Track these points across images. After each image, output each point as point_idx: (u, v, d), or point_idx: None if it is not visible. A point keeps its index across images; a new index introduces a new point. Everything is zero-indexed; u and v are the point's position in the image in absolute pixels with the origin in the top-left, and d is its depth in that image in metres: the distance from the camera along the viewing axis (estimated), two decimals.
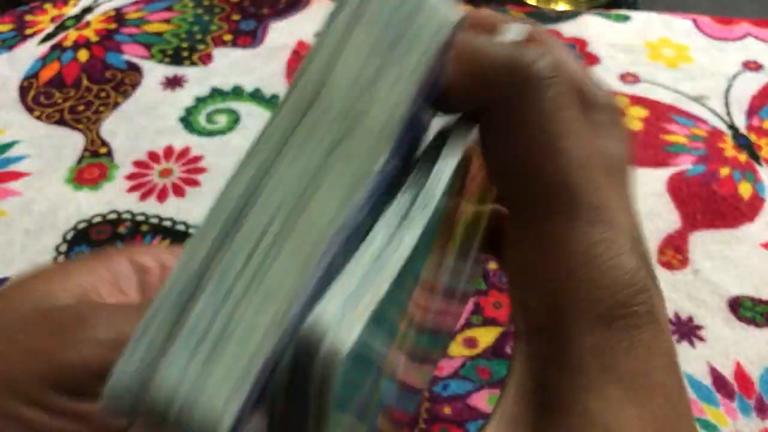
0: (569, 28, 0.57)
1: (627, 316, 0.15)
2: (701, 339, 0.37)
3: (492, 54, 0.16)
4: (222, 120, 0.50)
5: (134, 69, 0.55)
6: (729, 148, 0.47)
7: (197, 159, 0.47)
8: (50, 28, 0.59)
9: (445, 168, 0.15)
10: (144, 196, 0.45)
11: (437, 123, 0.17)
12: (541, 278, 0.16)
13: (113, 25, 0.59)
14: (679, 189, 0.44)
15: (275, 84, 0.53)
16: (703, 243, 0.42)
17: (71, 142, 0.49)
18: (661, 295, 0.17)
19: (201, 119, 0.50)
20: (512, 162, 0.16)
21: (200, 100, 0.52)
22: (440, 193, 0.15)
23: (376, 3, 0.14)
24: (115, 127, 0.50)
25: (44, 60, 0.56)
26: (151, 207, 0.44)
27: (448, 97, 0.16)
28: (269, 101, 0.52)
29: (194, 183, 0.46)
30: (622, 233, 0.16)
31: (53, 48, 0.57)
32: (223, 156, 0.48)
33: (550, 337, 0.16)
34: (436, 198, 0.15)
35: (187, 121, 0.50)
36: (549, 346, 0.16)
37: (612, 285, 0.15)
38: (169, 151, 0.48)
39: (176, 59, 0.56)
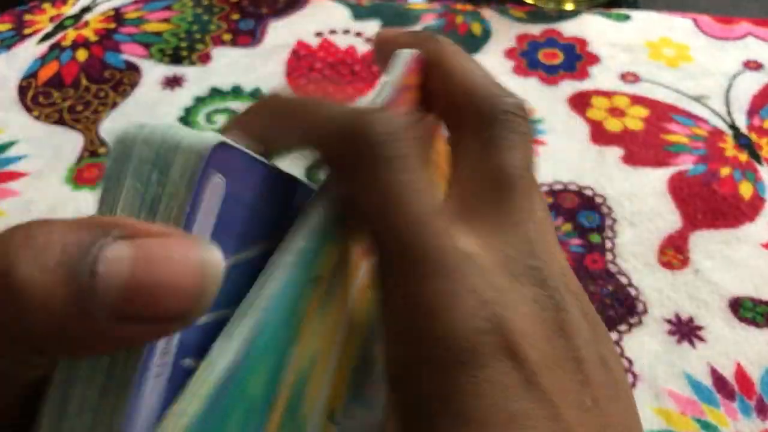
0: (569, 28, 0.57)
1: (469, 359, 0.15)
2: (702, 339, 0.37)
3: (327, 123, 0.16)
4: (221, 120, 0.50)
5: (133, 69, 0.55)
6: (730, 147, 0.47)
7: None
8: (49, 28, 0.59)
9: (290, 245, 0.16)
10: None
11: None
12: (392, 334, 0.16)
13: (112, 25, 0.59)
14: (679, 189, 0.44)
15: (275, 83, 0.53)
16: (703, 243, 0.41)
17: (70, 142, 0.49)
18: (529, 311, 0.17)
19: (200, 119, 0.50)
20: (360, 223, 0.17)
21: (199, 100, 0.52)
22: (283, 276, 0.15)
23: (131, 170, 0.14)
24: (114, 127, 0.50)
25: (43, 59, 0.56)
26: None
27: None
28: None
29: None
30: (471, 274, 0.16)
31: (52, 48, 0.57)
32: None
33: (405, 388, 0.16)
34: (276, 283, 0.15)
35: (187, 121, 0.50)
36: (405, 397, 0.16)
37: (451, 333, 0.15)
38: None
39: (175, 59, 0.55)
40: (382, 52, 0.21)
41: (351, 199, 0.17)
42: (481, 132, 0.18)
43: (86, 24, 0.59)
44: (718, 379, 0.36)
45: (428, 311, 0.15)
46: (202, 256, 0.13)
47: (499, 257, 0.17)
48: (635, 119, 0.49)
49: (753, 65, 0.53)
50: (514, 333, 0.15)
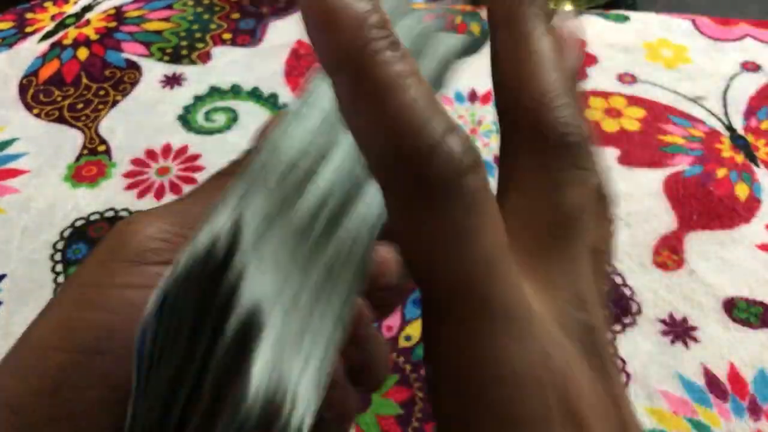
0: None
1: (536, 419, 0.14)
2: (695, 340, 0.37)
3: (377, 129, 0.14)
4: (220, 118, 0.50)
5: (134, 67, 0.55)
6: (726, 149, 0.47)
7: (195, 157, 0.48)
8: (50, 26, 0.59)
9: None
10: (141, 194, 0.45)
11: None
12: (446, 383, 0.15)
13: (113, 24, 0.59)
14: (675, 190, 0.44)
15: (274, 83, 0.53)
16: (698, 244, 0.42)
17: (70, 140, 0.49)
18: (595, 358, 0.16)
19: (199, 117, 0.51)
20: (410, 254, 0.15)
21: (199, 99, 0.52)
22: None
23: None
24: (113, 125, 0.50)
25: (44, 58, 0.56)
26: (149, 205, 0.45)
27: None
28: (267, 100, 0.52)
29: (192, 181, 0.46)
30: (536, 326, 0.15)
31: (53, 46, 0.57)
32: (220, 154, 0.48)
33: None
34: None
35: (186, 119, 0.50)
36: None
37: (518, 391, 0.14)
38: (167, 149, 0.48)
39: (175, 58, 0.56)
40: None
41: (402, 227, 0.14)
42: (543, 158, 0.17)
43: (87, 22, 0.59)
44: (711, 380, 0.36)
45: (492, 363, 0.14)
46: None
47: (552, 308, 0.16)
48: (632, 120, 0.49)
49: (751, 66, 0.53)
50: (578, 398, 0.15)
